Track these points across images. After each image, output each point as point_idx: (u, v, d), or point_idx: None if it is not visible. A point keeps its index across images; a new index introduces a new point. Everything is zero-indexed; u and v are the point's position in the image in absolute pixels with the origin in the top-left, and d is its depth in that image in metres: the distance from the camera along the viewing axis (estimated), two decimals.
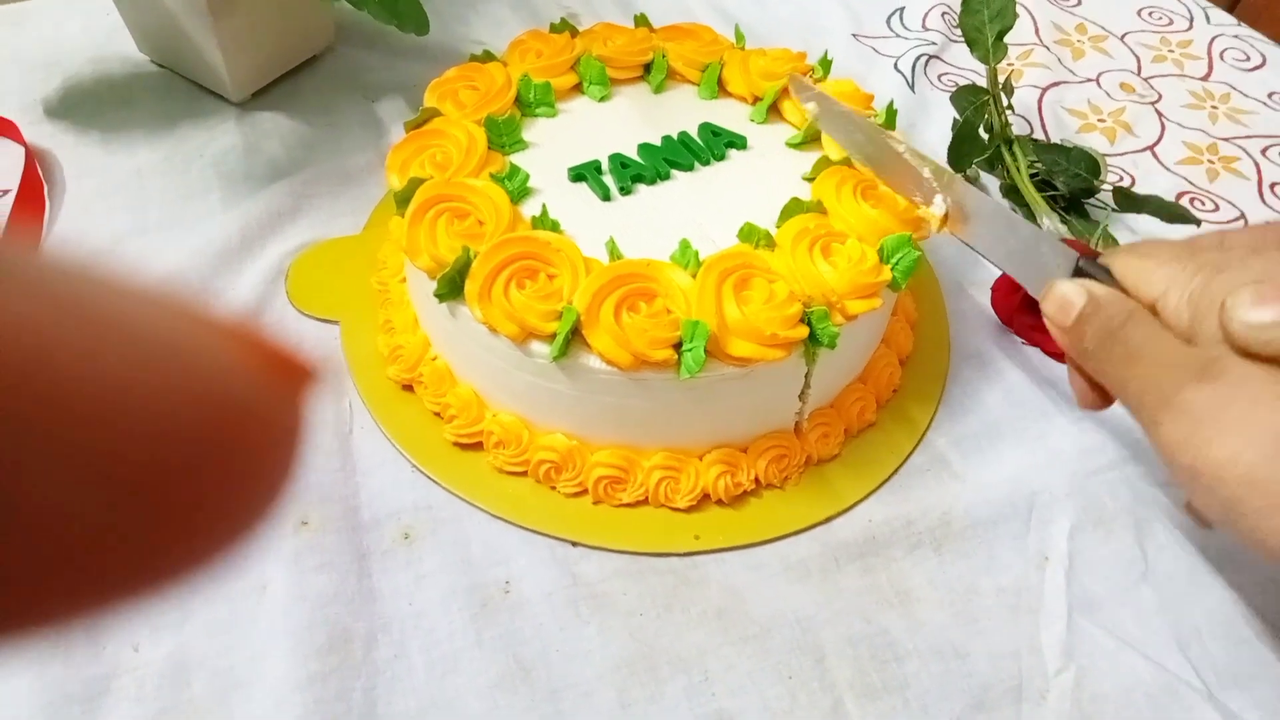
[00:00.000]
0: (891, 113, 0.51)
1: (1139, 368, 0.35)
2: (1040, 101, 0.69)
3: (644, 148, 0.49)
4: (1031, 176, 0.58)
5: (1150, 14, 0.80)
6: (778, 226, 0.44)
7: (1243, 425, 0.31)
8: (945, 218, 0.41)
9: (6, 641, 0.09)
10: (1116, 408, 0.49)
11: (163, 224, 0.56)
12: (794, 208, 0.44)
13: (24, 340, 0.08)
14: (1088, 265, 0.38)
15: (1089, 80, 0.73)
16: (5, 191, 0.58)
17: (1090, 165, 0.58)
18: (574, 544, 0.43)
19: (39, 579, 0.09)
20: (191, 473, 0.10)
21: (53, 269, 0.09)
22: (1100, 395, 0.39)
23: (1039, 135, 0.67)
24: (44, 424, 0.09)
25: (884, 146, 0.45)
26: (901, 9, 0.78)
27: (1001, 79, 0.60)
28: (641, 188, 0.47)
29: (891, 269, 0.43)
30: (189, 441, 0.10)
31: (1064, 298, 0.38)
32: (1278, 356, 0.31)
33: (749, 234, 0.44)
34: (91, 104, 0.63)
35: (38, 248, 0.10)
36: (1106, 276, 0.38)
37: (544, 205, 0.44)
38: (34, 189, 0.58)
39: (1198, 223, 0.58)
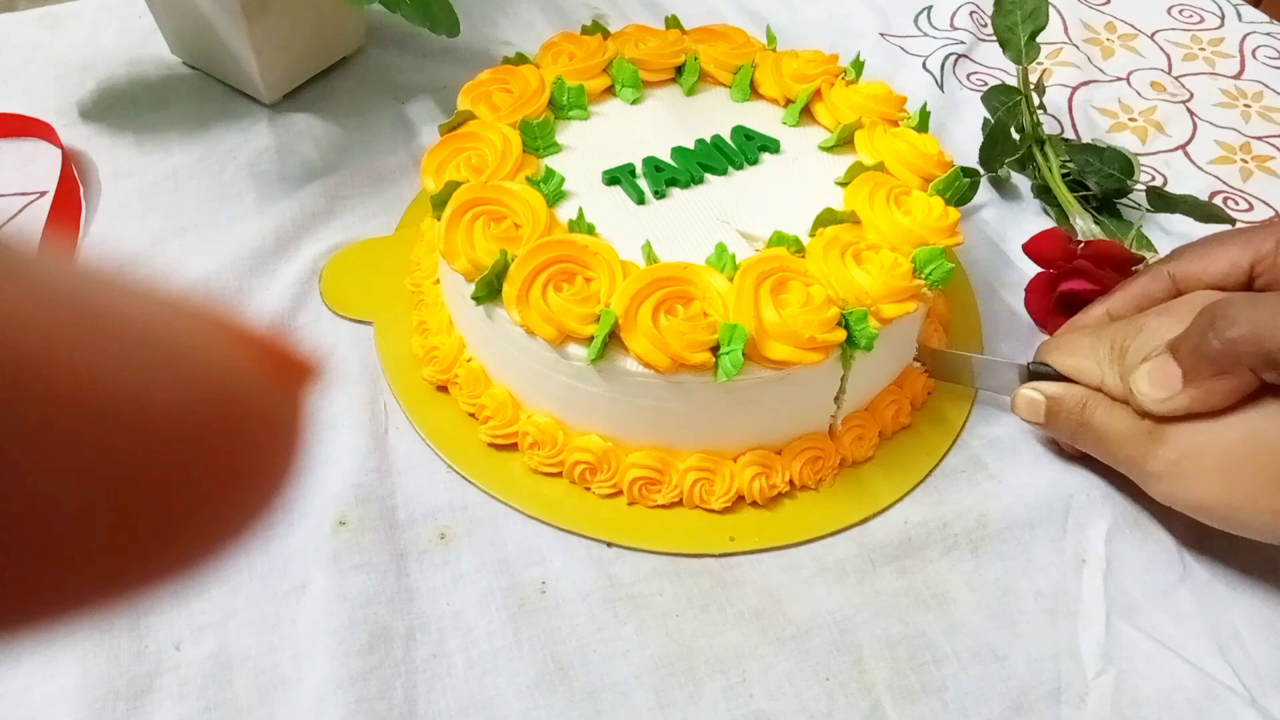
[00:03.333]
0: (924, 115, 0.51)
1: (1110, 445, 0.42)
2: (1070, 101, 0.69)
3: (677, 151, 0.49)
4: (1064, 177, 0.58)
5: (1181, 11, 0.79)
6: (810, 235, 0.44)
7: (1200, 476, 0.39)
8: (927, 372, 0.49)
9: (12, 637, 0.09)
10: None
11: (198, 225, 0.57)
12: (827, 217, 0.44)
13: (32, 339, 0.09)
14: (1037, 368, 0.45)
15: (1119, 79, 0.72)
16: (42, 193, 0.58)
17: (1124, 165, 0.58)
18: (609, 545, 0.44)
19: (46, 572, 0.09)
20: (190, 468, 0.10)
21: (52, 268, 0.10)
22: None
23: (1069, 135, 0.66)
24: (44, 420, 0.09)
25: None
26: (929, 8, 0.77)
27: (1033, 79, 0.59)
28: (675, 191, 0.47)
29: (925, 279, 0.43)
30: (187, 437, 0.10)
31: (1028, 401, 0.45)
32: (1189, 413, 0.39)
33: (779, 242, 0.44)
34: (126, 106, 0.64)
35: (36, 246, 0.10)
36: (1057, 372, 0.44)
37: (580, 209, 0.44)
38: (70, 191, 0.58)
39: (1232, 222, 0.57)
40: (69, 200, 0.58)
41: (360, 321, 0.52)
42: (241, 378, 0.11)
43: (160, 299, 0.11)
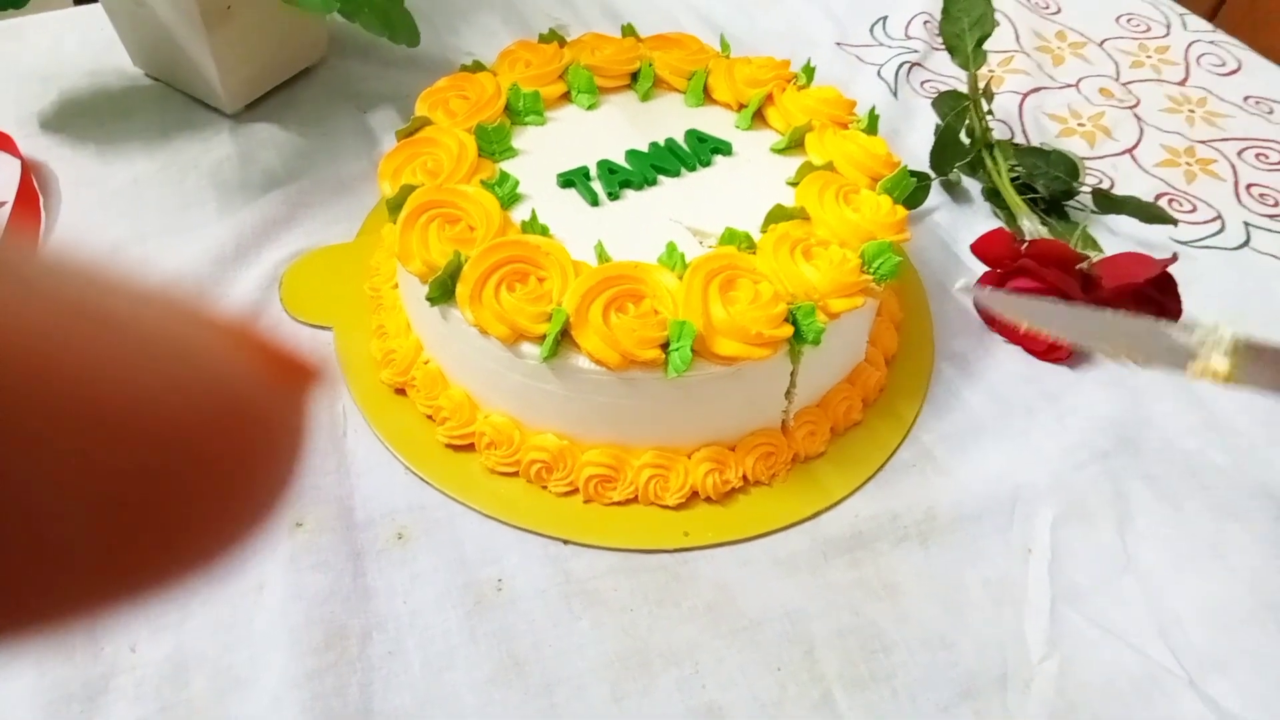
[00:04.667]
0: (873, 118, 0.52)
1: None
2: (1021, 107, 0.71)
3: (632, 154, 0.50)
4: (1013, 180, 0.59)
5: (1129, 21, 0.82)
6: (762, 231, 0.45)
7: None
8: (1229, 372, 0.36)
9: (7, 642, 0.09)
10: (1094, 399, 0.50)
11: (159, 233, 0.57)
12: (778, 214, 0.45)
13: (26, 341, 0.09)
14: None
15: (1069, 86, 0.74)
16: (1, 204, 0.58)
17: (1069, 168, 0.59)
18: (566, 542, 0.44)
19: (39, 580, 0.09)
20: (193, 473, 0.10)
21: (54, 270, 0.10)
22: None
23: (1020, 140, 0.68)
24: (44, 425, 0.09)
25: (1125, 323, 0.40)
26: (884, 18, 0.79)
27: (981, 85, 0.61)
28: (629, 193, 0.48)
29: (873, 273, 0.44)
30: (191, 442, 0.10)
31: None
32: None
33: (730, 239, 0.45)
34: (88, 117, 0.64)
35: (39, 250, 0.10)
36: None
37: (533, 210, 0.45)
38: (30, 201, 0.58)
39: (1175, 223, 0.59)
40: (28, 210, 0.58)
41: (320, 327, 0.52)
42: (244, 381, 0.11)
43: (162, 302, 0.11)
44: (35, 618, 0.10)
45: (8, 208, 0.57)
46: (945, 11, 0.60)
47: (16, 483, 0.09)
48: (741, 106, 0.53)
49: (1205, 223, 0.63)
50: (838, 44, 0.76)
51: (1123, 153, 0.68)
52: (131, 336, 0.10)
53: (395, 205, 0.45)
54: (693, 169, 0.50)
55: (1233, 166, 0.67)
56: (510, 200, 0.47)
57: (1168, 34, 0.80)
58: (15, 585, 0.09)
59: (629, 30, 0.57)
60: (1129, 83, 0.75)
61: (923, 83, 0.73)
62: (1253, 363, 0.36)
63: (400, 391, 0.49)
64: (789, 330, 0.42)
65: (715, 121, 0.53)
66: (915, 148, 0.65)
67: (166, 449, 0.10)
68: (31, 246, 0.10)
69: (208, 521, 0.11)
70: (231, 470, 0.11)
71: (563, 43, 0.56)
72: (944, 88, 0.70)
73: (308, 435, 0.12)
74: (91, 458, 0.09)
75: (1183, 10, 0.83)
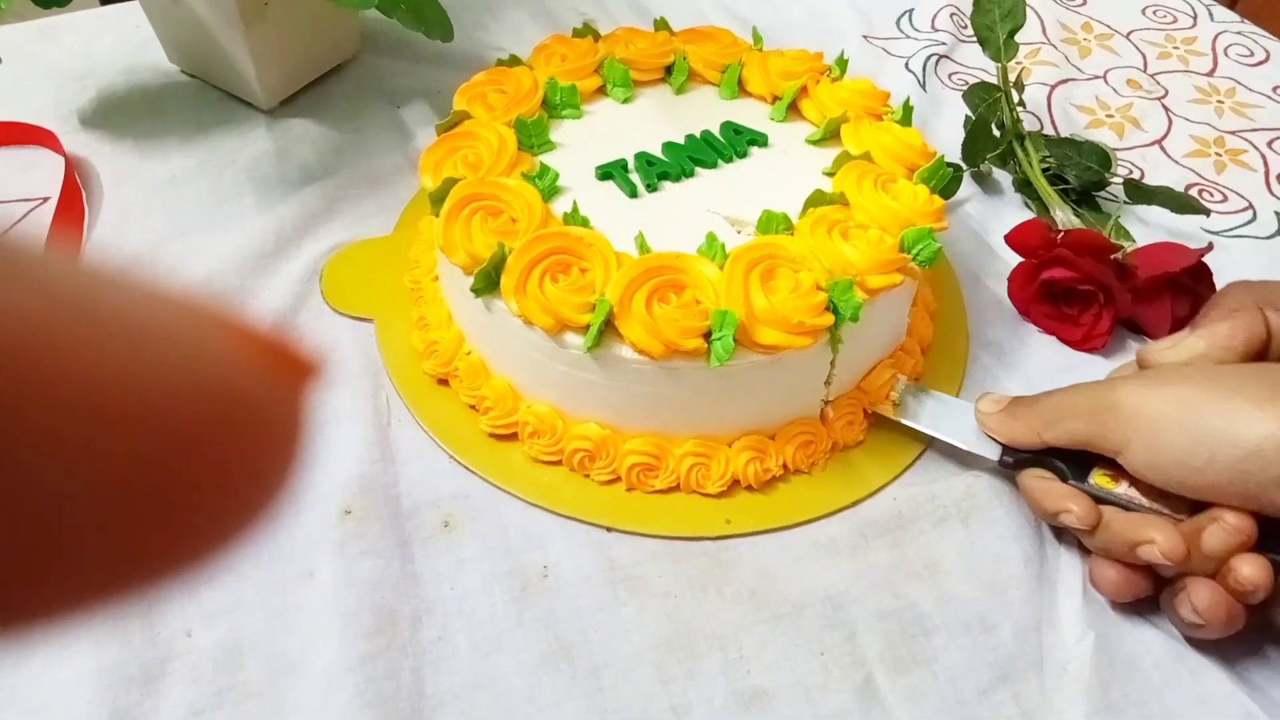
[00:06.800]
0: (908, 109, 0.52)
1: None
2: (1049, 99, 0.71)
3: (668, 146, 0.50)
4: (1044, 171, 0.60)
5: (1155, 12, 0.82)
6: (800, 217, 0.46)
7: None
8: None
9: (30, 629, 0.10)
10: None
11: (199, 228, 0.58)
12: (817, 198, 0.46)
13: (35, 340, 0.09)
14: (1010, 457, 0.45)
15: (1096, 77, 0.74)
16: (46, 199, 0.59)
17: (1101, 158, 0.59)
18: (609, 529, 0.45)
19: (52, 571, 0.10)
20: (195, 465, 0.10)
21: (54, 266, 0.10)
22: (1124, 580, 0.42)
23: (1049, 132, 0.68)
24: (51, 418, 0.09)
25: None
26: (911, 10, 0.79)
27: (1012, 77, 0.61)
28: (667, 184, 0.49)
29: (913, 258, 0.44)
30: (191, 435, 0.10)
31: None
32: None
33: (768, 221, 0.45)
34: (126, 113, 0.65)
35: (38, 246, 0.10)
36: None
37: (574, 202, 0.46)
38: (73, 197, 0.59)
39: (1207, 212, 0.59)
40: (72, 205, 0.59)
41: (361, 319, 0.53)
42: (244, 376, 0.11)
43: (163, 298, 0.11)
44: (50, 605, 0.10)
45: (53, 203, 0.58)
46: (976, 3, 0.60)
47: (28, 473, 0.09)
48: (776, 99, 0.54)
49: (1236, 212, 0.63)
50: (864, 37, 0.76)
51: (1152, 144, 0.68)
52: (137, 333, 0.10)
53: (438, 198, 0.46)
54: (729, 160, 0.50)
55: (1263, 156, 0.67)
56: (551, 192, 0.47)
57: (1194, 25, 0.80)
58: (35, 574, 0.09)
59: (662, 24, 0.58)
60: (1157, 74, 0.75)
61: (950, 75, 0.73)
62: (913, 401, 0.48)
63: (443, 382, 0.49)
64: (830, 319, 0.42)
65: (750, 114, 0.53)
66: (946, 140, 0.65)
67: (166, 440, 0.10)
68: (36, 247, 0.10)
69: (211, 509, 0.11)
70: (229, 460, 0.11)
71: (597, 37, 0.56)
72: (972, 80, 0.70)
73: (307, 425, 0.12)
74: (95, 448, 0.09)
75: (1209, 1, 0.83)
